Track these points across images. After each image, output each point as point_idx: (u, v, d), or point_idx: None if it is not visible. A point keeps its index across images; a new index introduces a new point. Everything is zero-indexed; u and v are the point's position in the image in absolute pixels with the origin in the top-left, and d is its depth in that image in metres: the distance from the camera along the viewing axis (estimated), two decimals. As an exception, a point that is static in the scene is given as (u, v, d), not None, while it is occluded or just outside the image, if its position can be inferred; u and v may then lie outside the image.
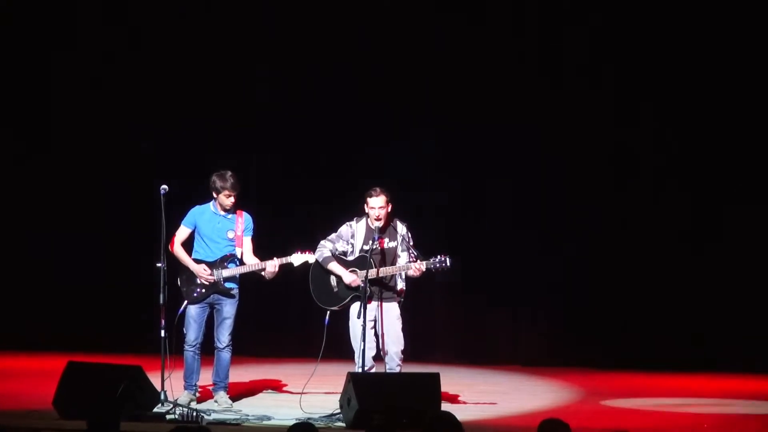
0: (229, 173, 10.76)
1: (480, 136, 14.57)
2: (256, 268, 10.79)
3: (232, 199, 10.78)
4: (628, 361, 14.15)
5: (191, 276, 10.99)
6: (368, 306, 10.52)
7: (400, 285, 10.74)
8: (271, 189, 14.88)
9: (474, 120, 14.57)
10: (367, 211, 10.65)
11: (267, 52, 14.88)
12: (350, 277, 10.59)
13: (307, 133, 14.87)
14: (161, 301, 10.47)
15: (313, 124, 14.85)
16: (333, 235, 10.86)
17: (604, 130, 14.25)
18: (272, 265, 10.71)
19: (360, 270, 10.56)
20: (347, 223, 10.85)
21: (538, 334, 14.71)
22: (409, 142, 14.47)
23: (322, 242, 10.84)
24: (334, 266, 10.77)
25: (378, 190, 10.63)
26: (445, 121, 14.71)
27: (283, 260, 10.73)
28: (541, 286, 14.64)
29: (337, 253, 10.76)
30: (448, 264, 10.39)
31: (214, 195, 10.86)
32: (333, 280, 10.85)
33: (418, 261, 10.48)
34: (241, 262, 10.91)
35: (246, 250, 10.95)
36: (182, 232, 11.08)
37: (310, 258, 10.80)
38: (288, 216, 14.75)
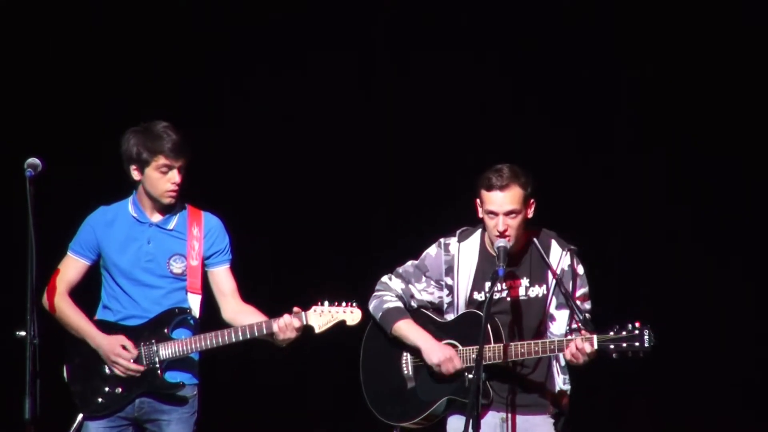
0: (163, 124, 6.83)
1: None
2: (247, 335, 6.81)
3: (175, 177, 6.79)
4: None
5: (93, 360, 7.06)
6: (486, 421, 6.46)
7: (559, 382, 6.64)
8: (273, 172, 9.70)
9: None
10: (482, 216, 6.62)
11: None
12: (442, 355, 6.61)
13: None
14: (27, 414, 6.64)
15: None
16: (409, 266, 6.85)
17: None
18: (288, 324, 6.66)
19: (464, 345, 6.63)
20: (439, 242, 6.78)
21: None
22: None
23: (385, 280, 6.86)
24: (408, 331, 6.73)
25: (505, 171, 6.43)
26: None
27: (295, 319, 6.70)
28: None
29: (414, 304, 6.81)
30: (646, 343, 6.36)
31: (135, 175, 6.82)
32: (406, 363, 6.86)
33: (583, 333, 6.46)
34: (195, 325, 6.93)
35: (222, 291, 6.92)
36: (71, 269, 7.07)
37: (349, 316, 6.72)
38: (304, 223, 9.58)
